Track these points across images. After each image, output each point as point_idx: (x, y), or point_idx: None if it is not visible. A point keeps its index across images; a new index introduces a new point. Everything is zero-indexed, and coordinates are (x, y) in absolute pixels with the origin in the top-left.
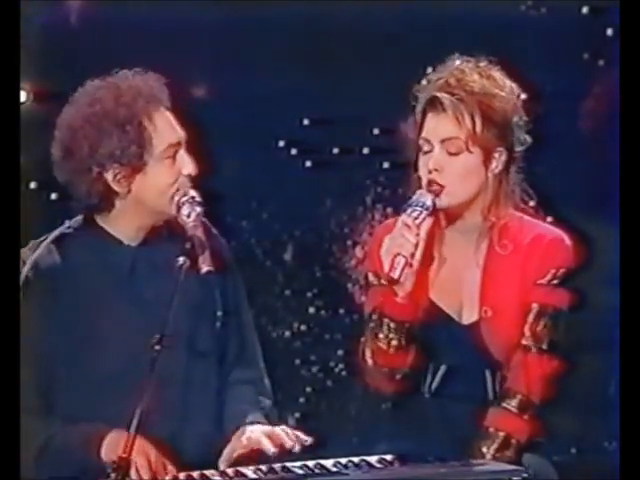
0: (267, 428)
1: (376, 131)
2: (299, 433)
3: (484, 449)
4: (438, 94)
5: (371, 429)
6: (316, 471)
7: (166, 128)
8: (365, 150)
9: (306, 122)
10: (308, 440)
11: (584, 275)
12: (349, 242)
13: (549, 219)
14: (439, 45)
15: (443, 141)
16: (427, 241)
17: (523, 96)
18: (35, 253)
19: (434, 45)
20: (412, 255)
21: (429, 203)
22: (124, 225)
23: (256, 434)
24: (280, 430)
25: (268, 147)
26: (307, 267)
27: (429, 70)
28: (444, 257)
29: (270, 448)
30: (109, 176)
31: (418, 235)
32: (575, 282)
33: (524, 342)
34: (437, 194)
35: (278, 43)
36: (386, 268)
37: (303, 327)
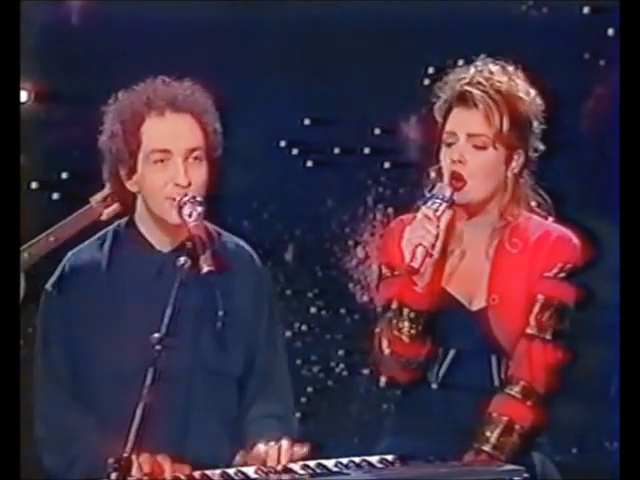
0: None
1: (377, 131)
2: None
3: (487, 433)
4: (470, 89)
5: (372, 429)
6: (317, 471)
7: (155, 133)
8: (366, 150)
9: (307, 122)
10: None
11: (590, 272)
12: (350, 242)
13: (555, 218)
14: (439, 45)
15: (470, 135)
16: (446, 233)
17: (541, 105)
18: (79, 247)
19: (434, 45)
20: (432, 246)
21: (449, 195)
22: (153, 229)
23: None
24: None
25: (269, 147)
26: (308, 267)
27: (430, 70)
28: (457, 248)
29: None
30: (122, 172)
31: (438, 227)
32: (582, 279)
33: (529, 331)
34: (458, 189)
35: (279, 43)
36: (407, 258)
37: (304, 327)
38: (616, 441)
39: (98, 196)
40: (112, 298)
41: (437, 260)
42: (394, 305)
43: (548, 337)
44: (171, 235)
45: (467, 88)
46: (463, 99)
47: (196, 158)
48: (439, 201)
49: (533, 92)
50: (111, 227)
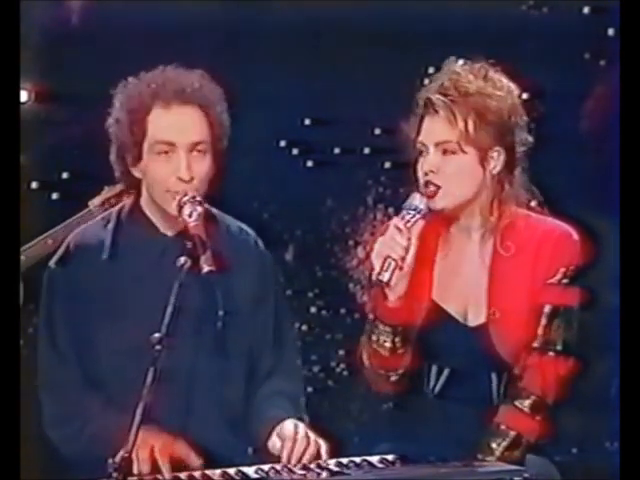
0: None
1: (377, 131)
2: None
3: (494, 445)
4: (431, 96)
5: (373, 429)
6: (317, 471)
7: (160, 125)
8: (366, 150)
9: (307, 122)
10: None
11: (591, 273)
12: (350, 242)
13: (553, 217)
14: (439, 45)
15: (437, 144)
16: (421, 244)
17: (524, 96)
18: (83, 226)
19: (434, 45)
20: (402, 258)
21: (421, 206)
22: (156, 214)
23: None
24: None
25: (269, 147)
26: (308, 267)
27: (430, 70)
28: (446, 258)
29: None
30: (127, 158)
31: (409, 239)
32: (583, 280)
33: (538, 344)
34: (432, 196)
35: (279, 43)
36: (375, 271)
37: (304, 327)
38: (616, 441)
39: (96, 200)
40: (116, 278)
41: (416, 272)
42: (370, 317)
43: (559, 348)
44: (173, 222)
45: (429, 96)
46: (427, 107)
47: (200, 151)
48: (412, 212)
49: (508, 86)
50: (116, 208)
